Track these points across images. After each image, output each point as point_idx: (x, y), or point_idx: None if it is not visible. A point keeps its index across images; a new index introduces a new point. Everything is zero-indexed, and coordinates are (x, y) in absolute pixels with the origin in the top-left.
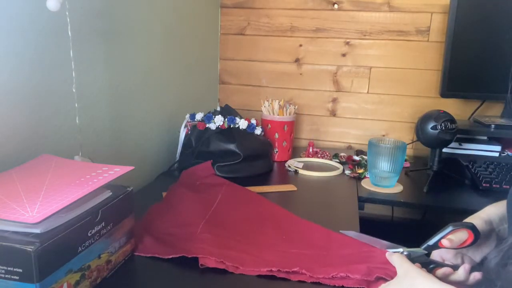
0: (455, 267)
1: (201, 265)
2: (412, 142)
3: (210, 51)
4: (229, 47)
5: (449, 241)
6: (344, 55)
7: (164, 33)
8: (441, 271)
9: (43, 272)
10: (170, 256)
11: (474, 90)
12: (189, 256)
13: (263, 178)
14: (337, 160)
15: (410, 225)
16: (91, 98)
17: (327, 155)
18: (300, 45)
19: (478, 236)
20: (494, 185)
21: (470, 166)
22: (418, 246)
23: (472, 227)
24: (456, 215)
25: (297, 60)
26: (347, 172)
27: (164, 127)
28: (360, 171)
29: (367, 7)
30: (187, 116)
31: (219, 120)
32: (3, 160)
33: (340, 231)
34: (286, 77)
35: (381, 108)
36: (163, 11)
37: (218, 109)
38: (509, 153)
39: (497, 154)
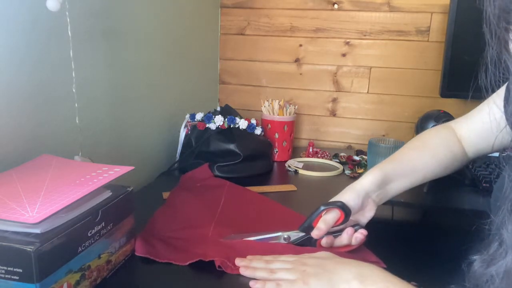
0: (337, 235)
1: (219, 267)
2: None
3: (210, 51)
4: (229, 47)
5: (318, 232)
6: (344, 55)
7: (164, 33)
8: (324, 240)
9: (43, 272)
10: (188, 263)
11: (475, 90)
12: (207, 260)
13: (263, 178)
14: (337, 160)
15: (410, 225)
16: (91, 98)
17: (327, 155)
18: (300, 45)
19: (349, 214)
20: (494, 185)
21: (470, 166)
22: (419, 247)
23: (341, 206)
24: (456, 215)
25: (297, 60)
26: (347, 172)
27: (164, 127)
28: (360, 171)
29: (367, 7)
30: (187, 116)
31: (219, 120)
32: (3, 160)
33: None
34: (286, 77)
35: (381, 108)
36: (163, 11)
37: (218, 109)
38: (509, 153)
39: (497, 154)
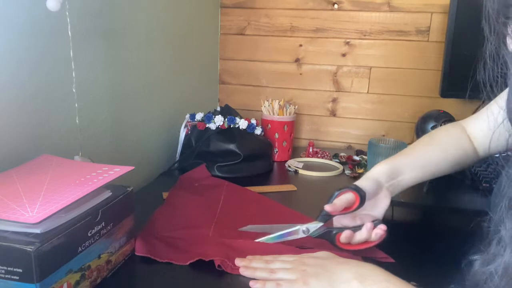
0: (356, 229)
1: (218, 266)
2: (412, 142)
3: (210, 51)
4: (229, 47)
5: (331, 206)
6: (344, 55)
7: (164, 33)
8: (343, 235)
9: (43, 272)
10: (188, 262)
11: (474, 90)
12: (207, 260)
13: (263, 178)
14: (337, 160)
15: (410, 225)
16: (91, 98)
17: (327, 155)
18: (300, 45)
19: (364, 196)
20: (494, 185)
21: (470, 166)
22: (419, 247)
23: (355, 189)
24: (456, 215)
25: (297, 60)
26: (347, 172)
27: (164, 127)
28: (360, 171)
29: (367, 7)
30: (187, 116)
31: (219, 120)
32: (3, 160)
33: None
34: (286, 77)
35: (381, 108)
36: (163, 11)
37: (218, 109)
38: (509, 153)
39: (497, 154)
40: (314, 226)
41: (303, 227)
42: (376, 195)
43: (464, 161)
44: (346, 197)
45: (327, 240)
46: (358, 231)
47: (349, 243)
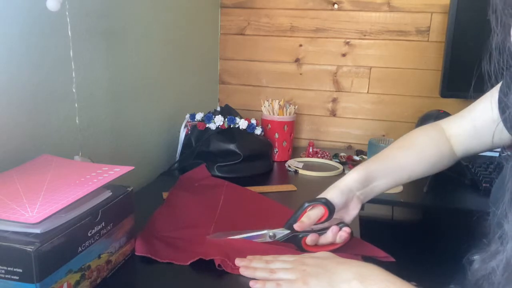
0: (322, 232)
1: (219, 266)
2: None
3: (210, 51)
4: (229, 47)
5: (299, 226)
6: (344, 55)
7: (164, 33)
8: (309, 238)
9: (43, 272)
10: (189, 262)
11: (474, 90)
12: (207, 259)
13: (263, 178)
14: (337, 160)
15: (410, 225)
16: (91, 98)
17: (327, 155)
18: (300, 45)
19: (333, 210)
20: (493, 185)
21: (470, 166)
22: (419, 247)
23: (325, 202)
24: (456, 215)
25: (297, 60)
26: (347, 172)
27: (164, 127)
28: None
29: (367, 7)
30: (187, 116)
31: (219, 120)
32: (3, 160)
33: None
34: (286, 77)
35: (381, 108)
36: (163, 11)
37: (218, 109)
38: (509, 153)
39: (497, 154)
40: (280, 232)
41: (270, 232)
42: (346, 207)
43: (441, 163)
44: (315, 213)
45: (293, 244)
46: (323, 234)
47: (315, 245)
